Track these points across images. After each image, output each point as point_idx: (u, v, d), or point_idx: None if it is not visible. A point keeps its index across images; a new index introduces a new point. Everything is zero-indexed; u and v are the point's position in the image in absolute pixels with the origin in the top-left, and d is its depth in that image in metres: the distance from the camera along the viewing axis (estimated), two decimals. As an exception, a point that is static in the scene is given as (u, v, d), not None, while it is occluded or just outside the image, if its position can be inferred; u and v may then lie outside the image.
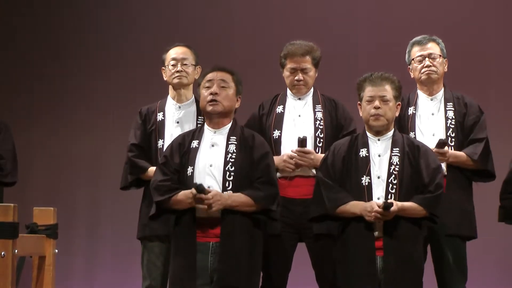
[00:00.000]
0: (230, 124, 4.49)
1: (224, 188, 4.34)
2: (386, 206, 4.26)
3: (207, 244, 4.31)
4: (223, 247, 4.28)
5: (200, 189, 4.25)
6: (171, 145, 4.50)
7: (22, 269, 3.39)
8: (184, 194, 4.32)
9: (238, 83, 4.52)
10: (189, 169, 4.38)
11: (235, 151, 4.39)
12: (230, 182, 4.34)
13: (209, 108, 4.44)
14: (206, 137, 4.47)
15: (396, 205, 4.30)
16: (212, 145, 4.43)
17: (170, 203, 4.36)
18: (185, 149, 4.43)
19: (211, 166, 4.38)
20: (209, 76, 4.50)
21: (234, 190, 4.33)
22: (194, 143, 4.44)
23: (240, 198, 4.32)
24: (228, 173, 4.35)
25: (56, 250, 3.59)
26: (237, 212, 4.32)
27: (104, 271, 7.23)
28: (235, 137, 4.44)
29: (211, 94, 4.42)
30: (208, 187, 4.34)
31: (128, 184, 4.99)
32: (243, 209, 4.33)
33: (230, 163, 4.36)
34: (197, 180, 4.35)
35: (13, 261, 3.15)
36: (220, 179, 4.35)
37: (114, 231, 7.19)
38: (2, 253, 3.12)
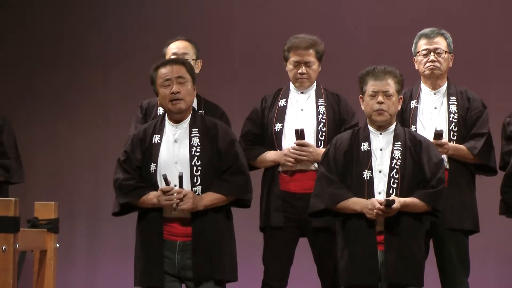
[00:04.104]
0: (189, 116, 4.40)
1: (193, 184, 4.27)
2: (388, 203, 4.25)
3: (174, 243, 4.27)
4: (196, 244, 4.23)
5: (165, 177, 4.21)
6: (131, 140, 4.41)
7: (23, 263, 3.39)
8: (153, 195, 4.26)
9: (192, 72, 4.43)
10: (152, 166, 4.30)
11: (199, 144, 4.31)
12: (198, 177, 4.27)
13: (173, 107, 4.34)
14: (168, 132, 4.38)
15: (399, 201, 4.29)
16: (175, 141, 4.35)
17: (137, 202, 4.30)
18: (146, 145, 4.35)
19: (176, 163, 4.31)
20: (165, 73, 4.36)
21: (203, 184, 4.26)
22: (156, 138, 4.35)
23: (210, 197, 4.26)
24: (195, 168, 4.27)
25: (57, 245, 3.59)
26: (207, 211, 4.26)
27: (105, 265, 7.23)
28: (197, 129, 4.35)
29: (173, 93, 4.32)
30: (175, 185, 4.25)
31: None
32: (217, 205, 4.28)
33: (196, 157, 4.29)
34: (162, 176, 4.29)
35: (15, 255, 3.15)
36: (187, 175, 4.28)
37: (115, 225, 7.16)
38: (4, 248, 3.12)
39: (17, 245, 3.17)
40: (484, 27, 6.96)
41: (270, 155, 4.85)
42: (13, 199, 3.18)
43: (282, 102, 4.95)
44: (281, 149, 4.84)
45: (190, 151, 4.31)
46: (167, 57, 5.05)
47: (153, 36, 7.18)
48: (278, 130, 4.88)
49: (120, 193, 4.34)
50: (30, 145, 7.20)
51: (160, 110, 4.99)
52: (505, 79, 6.88)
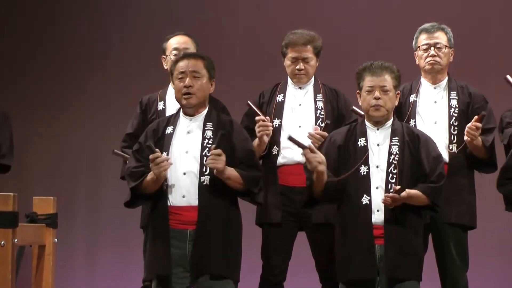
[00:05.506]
0: (205, 111, 4.45)
1: (201, 173, 4.30)
2: (401, 189, 4.23)
3: (185, 231, 4.29)
4: (199, 233, 4.26)
5: (151, 149, 4.22)
6: (145, 132, 4.47)
7: (22, 258, 3.39)
8: (150, 174, 4.27)
9: (210, 67, 4.46)
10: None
11: (211, 136, 4.36)
12: (208, 168, 4.29)
13: (184, 102, 4.39)
14: (182, 124, 4.43)
15: (405, 192, 4.28)
16: (188, 132, 4.40)
17: (143, 187, 4.32)
18: (159, 135, 4.40)
19: (186, 152, 4.34)
20: (181, 66, 4.42)
21: (212, 174, 4.29)
22: (169, 129, 4.41)
23: (233, 172, 4.30)
24: (205, 158, 4.29)
25: (56, 239, 3.59)
26: (214, 198, 4.29)
27: (104, 260, 7.24)
28: (211, 123, 4.40)
29: (185, 87, 4.37)
30: (184, 173, 4.31)
31: (126, 174, 4.99)
32: (233, 184, 4.31)
33: (207, 149, 4.32)
34: (172, 166, 4.29)
35: (13, 250, 3.16)
36: (196, 164, 4.31)
37: (114, 220, 7.19)
38: (2, 243, 3.12)
39: (16, 240, 3.17)
40: (484, 21, 6.96)
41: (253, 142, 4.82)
42: (12, 194, 3.19)
43: (279, 98, 4.95)
44: (278, 145, 4.83)
45: (202, 142, 4.35)
46: (167, 52, 5.06)
47: (152, 31, 7.18)
48: (277, 126, 4.88)
49: (130, 180, 4.37)
50: (29, 140, 7.21)
51: (160, 106, 5.00)
52: (504, 74, 6.87)
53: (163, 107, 5.03)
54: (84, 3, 7.57)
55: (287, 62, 4.94)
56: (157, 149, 4.25)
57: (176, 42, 5.05)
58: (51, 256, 3.56)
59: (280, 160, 4.85)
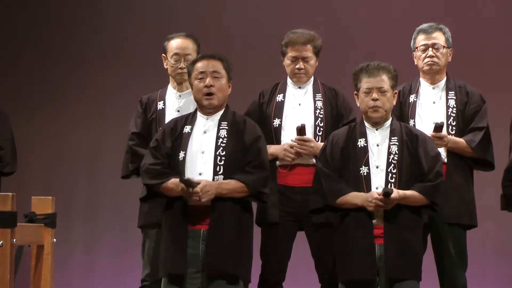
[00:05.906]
0: (222, 111, 4.51)
1: (215, 173, 4.35)
2: (386, 192, 4.25)
3: (199, 231, 4.33)
4: (211, 233, 4.29)
5: (188, 183, 4.25)
6: (163, 129, 4.52)
7: (20, 258, 3.39)
8: (174, 184, 4.32)
9: (229, 69, 4.52)
10: (181, 154, 4.39)
11: (226, 136, 4.41)
12: (221, 167, 4.35)
13: (206, 102, 4.45)
14: (199, 123, 4.48)
15: (397, 192, 4.29)
16: (205, 132, 4.45)
17: (161, 190, 4.38)
18: (177, 134, 4.45)
19: (203, 153, 4.39)
20: (201, 66, 4.48)
21: (225, 174, 4.34)
22: (187, 129, 4.46)
23: (229, 185, 4.32)
24: (219, 157, 4.36)
25: (55, 239, 3.59)
26: (227, 198, 4.32)
27: (103, 260, 7.24)
28: (226, 123, 4.45)
29: (206, 87, 4.43)
30: (200, 174, 4.35)
31: (129, 172, 4.99)
32: (234, 195, 4.34)
33: (221, 148, 4.37)
34: (189, 165, 4.37)
35: (12, 250, 3.16)
36: (211, 164, 4.35)
37: (113, 220, 7.19)
38: (1, 242, 3.12)
39: (14, 240, 3.17)
40: (482, 20, 6.96)
41: (269, 149, 4.84)
42: (10, 193, 3.18)
43: (279, 97, 4.95)
44: (280, 144, 4.84)
45: (216, 142, 4.40)
46: (168, 54, 5.02)
47: (150, 31, 7.19)
48: (277, 126, 4.88)
49: (146, 176, 4.42)
50: (27, 139, 7.20)
51: (160, 105, 5.00)
52: (504, 74, 6.88)
53: (163, 106, 5.02)
54: (84, 3, 7.57)
55: (286, 61, 4.94)
56: (197, 182, 4.26)
57: (177, 46, 5.01)
58: (49, 256, 3.55)
59: (280, 161, 4.84)
